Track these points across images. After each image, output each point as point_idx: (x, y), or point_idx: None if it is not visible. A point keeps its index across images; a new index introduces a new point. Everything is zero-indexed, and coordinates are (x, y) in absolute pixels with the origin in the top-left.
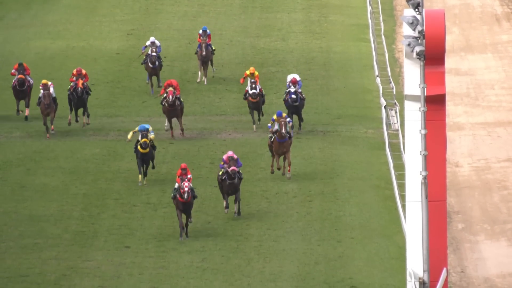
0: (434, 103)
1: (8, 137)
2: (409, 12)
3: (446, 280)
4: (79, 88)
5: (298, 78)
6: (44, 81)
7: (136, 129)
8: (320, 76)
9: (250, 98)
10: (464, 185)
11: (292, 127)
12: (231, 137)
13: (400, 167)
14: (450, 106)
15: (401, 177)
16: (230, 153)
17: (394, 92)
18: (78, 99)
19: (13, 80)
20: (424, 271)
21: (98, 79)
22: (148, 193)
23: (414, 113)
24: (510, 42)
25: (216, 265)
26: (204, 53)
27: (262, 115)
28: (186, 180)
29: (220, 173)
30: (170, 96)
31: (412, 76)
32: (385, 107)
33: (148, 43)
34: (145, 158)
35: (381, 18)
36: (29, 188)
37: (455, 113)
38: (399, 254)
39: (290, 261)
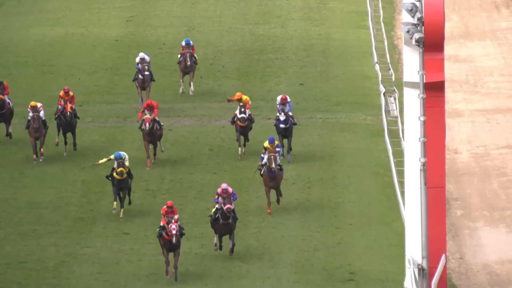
0: (433, 90)
1: None
2: None
3: (445, 267)
4: (68, 113)
5: (288, 98)
6: (33, 103)
7: (111, 156)
8: (319, 63)
9: (238, 122)
10: (463, 171)
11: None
12: (230, 124)
13: (399, 154)
14: (449, 93)
15: (400, 164)
16: (224, 185)
17: (393, 79)
18: (67, 124)
19: None
20: (423, 257)
21: (97, 66)
22: (147, 180)
23: (413, 100)
24: (509, 29)
25: (215, 251)
26: (188, 63)
27: (248, 140)
28: (173, 222)
29: (213, 210)
30: (147, 124)
31: (411, 63)
32: (384, 94)
33: (137, 59)
34: (122, 185)
35: (380, 5)
36: (28, 175)
37: (454, 100)
38: (398, 241)
39: (289, 248)
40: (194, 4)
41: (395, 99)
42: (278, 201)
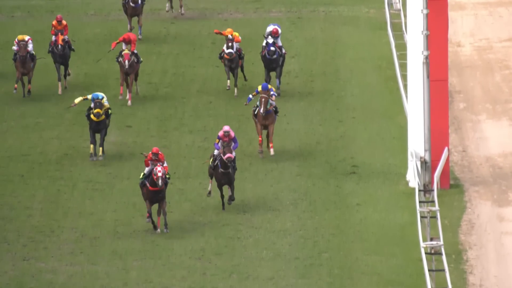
0: None
1: (9, 16)
2: None
3: (447, 160)
4: (59, 45)
5: (279, 30)
6: (20, 36)
7: (88, 96)
8: None
9: (225, 56)
10: (466, 64)
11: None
12: (232, 17)
13: (402, 47)
14: None
15: (403, 57)
16: (226, 128)
17: None
18: (59, 56)
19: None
20: (425, 150)
21: None
22: (149, 73)
23: None
24: None
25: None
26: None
27: (246, 80)
28: (158, 165)
29: (211, 160)
30: (126, 61)
31: None
32: None
33: None
34: (100, 127)
35: None
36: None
37: None
38: (400, 134)
39: (292, 141)
40: None
41: None
42: (270, 147)
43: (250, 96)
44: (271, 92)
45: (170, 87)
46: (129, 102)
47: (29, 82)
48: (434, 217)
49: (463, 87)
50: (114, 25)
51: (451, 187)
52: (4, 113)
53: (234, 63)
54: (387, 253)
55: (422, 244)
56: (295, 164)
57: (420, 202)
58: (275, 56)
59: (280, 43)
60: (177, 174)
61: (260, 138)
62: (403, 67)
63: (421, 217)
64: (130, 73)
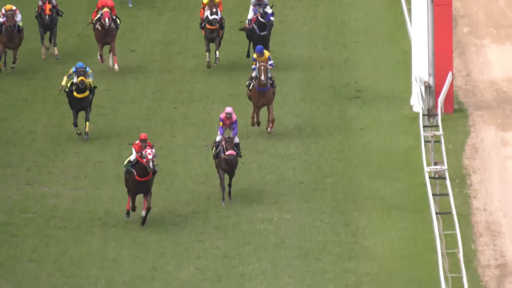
0: None
1: None
2: None
3: (451, 84)
4: (46, 15)
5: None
6: (8, 6)
7: (71, 70)
8: None
9: (207, 25)
10: None
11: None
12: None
13: None
14: None
15: None
16: (228, 109)
17: None
18: (46, 24)
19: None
20: (429, 75)
21: None
22: (149, 21)
23: None
24: None
25: (219, 106)
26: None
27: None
28: (148, 148)
29: (213, 149)
30: (107, 19)
31: None
32: None
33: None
34: (83, 105)
35: None
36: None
37: None
38: (404, 58)
39: (296, 66)
40: None
41: None
42: (268, 127)
43: (253, 66)
44: (270, 62)
45: (173, 11)
46: (116, 66)
47: (14, 60)
48: (438, 141)
49: (467, 11)
50: None
51: (455, 112)
52: None
53: (215, 33)
54: (391, 177)
55: (426, 169)
56: (299, 89)
57: (424, 126)
58: (265, 32)
59: (272, 17)
60: (180, 99)
61: (252, 120)
62: None
63: (425, 141)
64: (110, 42)
